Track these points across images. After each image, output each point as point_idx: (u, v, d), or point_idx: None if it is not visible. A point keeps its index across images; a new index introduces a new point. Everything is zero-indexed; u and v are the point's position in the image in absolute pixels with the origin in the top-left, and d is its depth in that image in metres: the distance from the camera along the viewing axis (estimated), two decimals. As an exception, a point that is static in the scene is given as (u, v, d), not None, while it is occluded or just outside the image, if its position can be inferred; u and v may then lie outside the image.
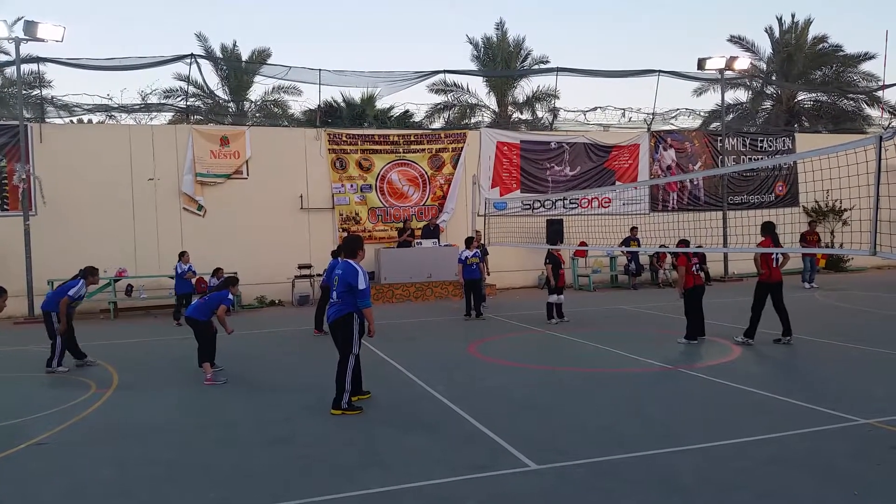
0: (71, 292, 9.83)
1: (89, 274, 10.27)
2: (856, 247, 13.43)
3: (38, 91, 19.36)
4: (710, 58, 21.16)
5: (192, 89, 21.40)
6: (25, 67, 18.59)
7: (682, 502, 4.68)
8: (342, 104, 23.77)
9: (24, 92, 18.59)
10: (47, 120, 18.20)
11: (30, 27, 15.91)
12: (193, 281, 15.82)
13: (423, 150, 20.23)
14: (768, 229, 10.51)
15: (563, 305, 13.36)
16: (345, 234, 19.05)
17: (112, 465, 5.82)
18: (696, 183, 22.31)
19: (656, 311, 14.66)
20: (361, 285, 6.99)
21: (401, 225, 19.27)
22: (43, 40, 16.28)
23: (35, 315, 16.18)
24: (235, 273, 13.52)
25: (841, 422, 6.27)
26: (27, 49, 17.31)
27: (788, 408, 6.85)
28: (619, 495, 4.83)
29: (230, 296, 9.18)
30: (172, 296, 15.47)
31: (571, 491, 4.94)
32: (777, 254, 10.43)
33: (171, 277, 15.37)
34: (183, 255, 15.04)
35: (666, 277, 20.07)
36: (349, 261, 7.20)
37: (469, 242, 14.76)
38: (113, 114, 18.89)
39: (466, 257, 14.42)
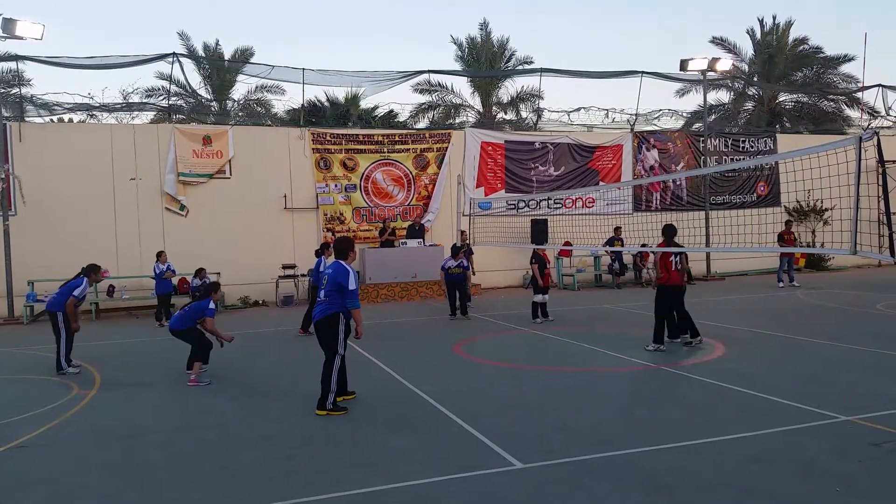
0: (76, 292, 9.71)
1: (91, 271, 10.11)
2: (836, 246, 13.60)
3: (18, 90, 19.10)
4: (692, 59, 21.30)
5: (174, 88, 21.23)
6: (4, 65, 18.36)
7: (666, 500, 4.71)
8: (326, 104, 23.67)
9: (3, 90, 18.35)
10: (27, 119, 17.97)
11: (8, 24, 15.69)
12: (175, 281, 15.72)
13: (408, 149, 20.21)
14: (670, 233, 10.23)
15: (547, 305, 13.39)
16: (328, 234, 19.04)
17: (95, 467, 5.76)
18: (678, 183, 22.46)
19: (640, 310, 14.73)
20: (352, 286, 6.96)
21: (380, 225, 19.27)
22: (22, 38, 16.06)
23: (15, 316, 16.02)
24: (218, 273, 13.26)
25: (822, 419, 6.34)
26: (6, 47, 17.13)
27: (771, 405, 6.91)
28: (604, 494, 4.85)
29: (211, 304, 8.96)
30: (154, 296, 15.34)
31: (557, 490, 4.95)
32: (676, 259, 10.13)
33: (153, 278, 15.24)
34: (160, 255, 14.93)
35: (649, 277, 20.19)
36: (340, 261, 7.16)
37: (455, 252, 14.54)
38: (94, 113, 18.69)
39: (449, 267, 14.19)
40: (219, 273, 17.24)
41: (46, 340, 12.84)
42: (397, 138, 20.26)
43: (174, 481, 5.38)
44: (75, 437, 6.66)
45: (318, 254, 12.64)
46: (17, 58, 18.01)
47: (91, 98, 18.31)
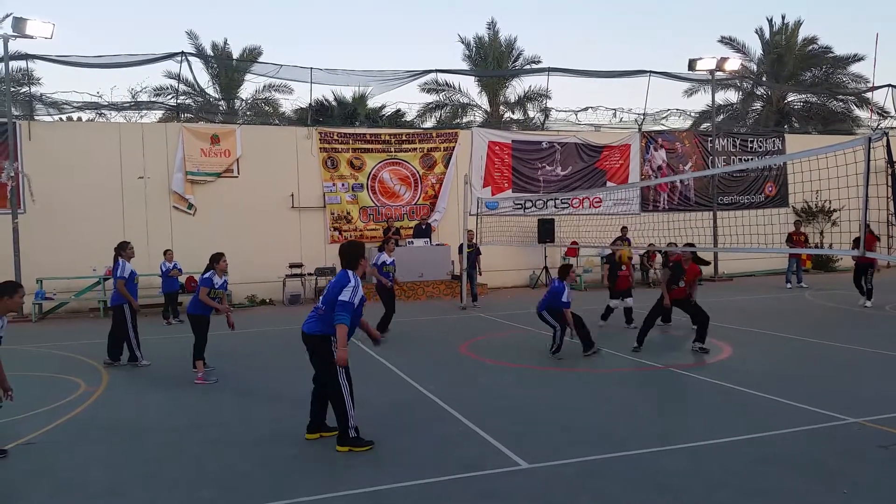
0: (118, 274, 9.86)
1: (121, 249, 10.13)
2: (845, 247, 13.55)
3: (27, 88, 19.22)
4: (700, 58, 21.25)
5: (182, 87, 21.28)
6: (14, 64, 18.45)
7: (672, 501, 4.70)
8: (333, 103, 23.70)
9: (13, 89, 18.44)
10: (36, 117, 18.06)
11: (18, 24, 15.78)
12: (182, 279, 15.78)
13: (415, 149, 20.22)
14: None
15: (632, 310, 12.41)
16: (335, 232, 19.08)
17: (101, 464, 5.79)
18: (686, 183, 22.39)
19: (647, 310, 14.67)
20: (344, 296, 5.75)
21: (385, 225, 19.29)
22: (32, 37, 16.14)
23: (24, 314, 16.09)
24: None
25: (829, 421, 6.32)
26: (16, 46, 17.20)
27: (777, 407, 6.89)
28: (610, 494, 4.85)
29: (207, 275, 9.00)
30: (161, 294, 15.39)
31: (562, 490, 4.95)
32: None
33: (159, 276, 15.31)
34: (167, 253, 15.00)
35: (656, 277, 20.13)
36: (347, 270, 6.02)
37: (565, 273, 9.95)
38: (103, 112, 18.76)
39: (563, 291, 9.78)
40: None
41: (54, 338, 12.96)
42: (404, 138, 20.27)
43: (181, 479, 5.40)
44: (82, 434, 6.69)
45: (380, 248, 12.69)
46: (27, 57, 18.13)
47: (100, 97, 18.42)
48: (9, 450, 6.09)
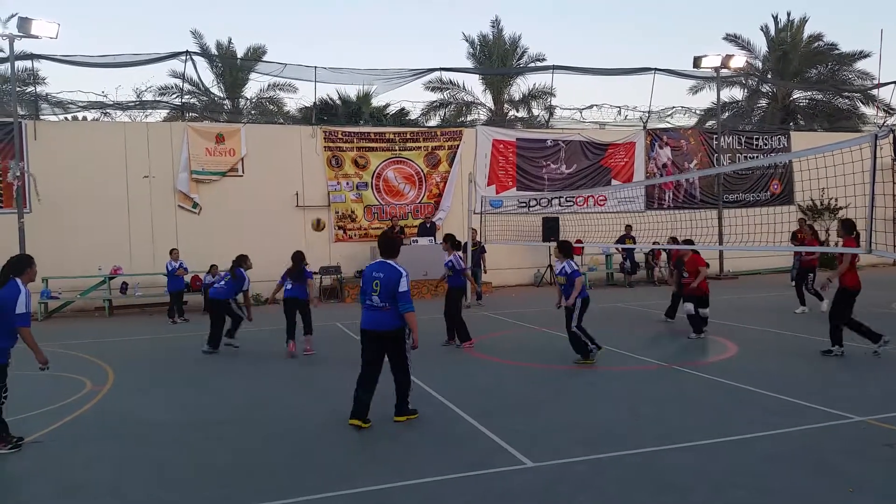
0: (243, 286, 11.63)
1: (241, 262, 11.92)
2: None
3: (33, 88, 19.27)
4: (705, 56, 21.19)
5: (187, 86, 21.32)
6: (20, 64, 18.48)
7: (678, 500, 4.69)
8: (338, 102, 23.73)
9: (19, 89, 18.49)
10: (42, 117, 18.12)
11: (24, 24, 15.83)
12: (188, 278, 15.81)
13: (419, 147, 20.22)
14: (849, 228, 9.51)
15: (695, 318, 10.94)
16: (340, 231, 19.08)
17: (107, 463, 5.81)
18: (691, 181, 22.33)
19: (652, 308, 14.67)
20: (403, 287, 6.40)
21: (389, 223, 19.31)
22: (37, 37, 16.18)
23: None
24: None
25: (835, 419, 6.30)
26: (21, 46, 17.23)
27: (783, 405, 6.87)
28: (615, 493, 4.84)
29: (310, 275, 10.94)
30: (167, 294, 15.43)
31: (568, 489, 4.94)
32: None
33: (165, 275, 15.35)
34: (173, 252, 15.05)
35: (661, 275, 20.10)
36: (391, 262, 6.62)
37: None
38: (108, 111, 18.82)
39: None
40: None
41: (60, 337, 13.00)
42: (409, 136, 20.26)
43: (187, 477, 5.41)
44: (89, 432, 6.72)
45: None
46: (32, 56, 18.18)
47: (105, 96, 18.51)
48: (14, 445, 6.12)
